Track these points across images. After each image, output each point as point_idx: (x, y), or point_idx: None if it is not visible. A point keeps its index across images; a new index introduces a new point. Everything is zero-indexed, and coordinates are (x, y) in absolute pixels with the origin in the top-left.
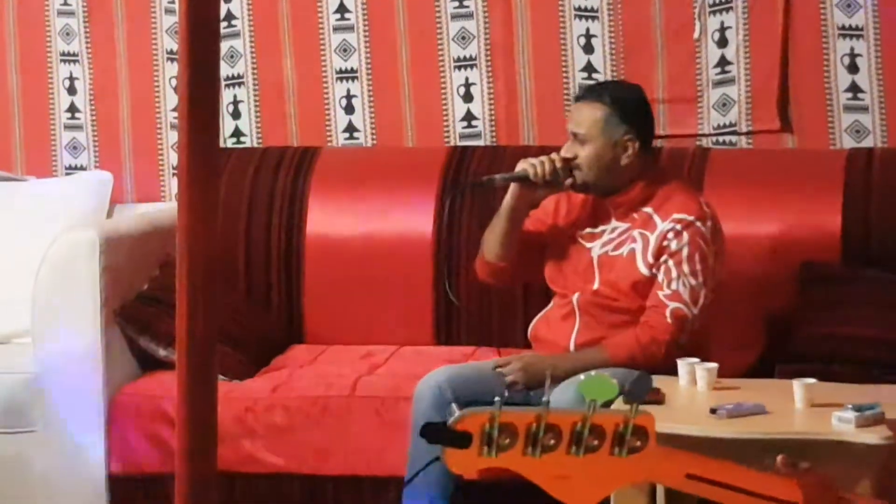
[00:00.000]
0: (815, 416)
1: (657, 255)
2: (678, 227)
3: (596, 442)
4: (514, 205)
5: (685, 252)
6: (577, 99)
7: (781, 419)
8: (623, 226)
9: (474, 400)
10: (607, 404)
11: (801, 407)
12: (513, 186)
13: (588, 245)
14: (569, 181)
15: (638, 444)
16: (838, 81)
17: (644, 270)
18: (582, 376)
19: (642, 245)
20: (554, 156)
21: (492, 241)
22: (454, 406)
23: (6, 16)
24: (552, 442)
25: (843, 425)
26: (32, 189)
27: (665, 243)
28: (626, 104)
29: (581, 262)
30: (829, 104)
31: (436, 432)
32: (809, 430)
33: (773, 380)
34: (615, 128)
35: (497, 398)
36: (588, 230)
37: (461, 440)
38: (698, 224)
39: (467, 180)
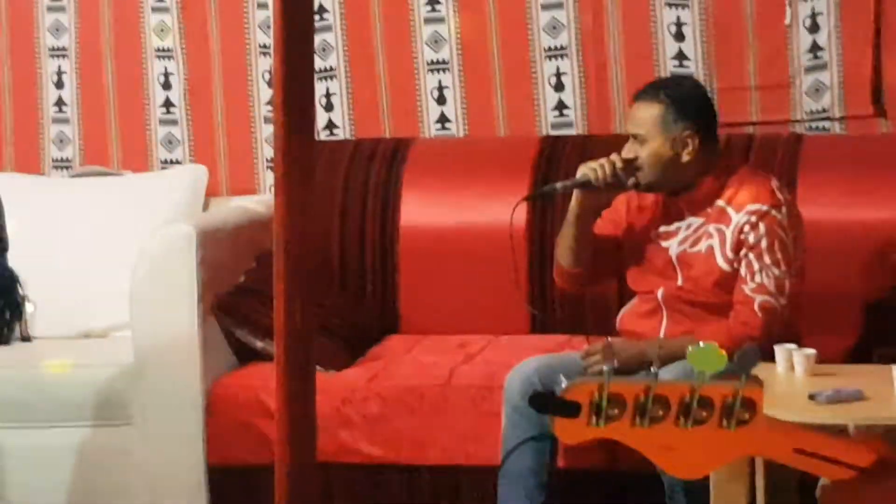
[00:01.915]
0: None
1: (736, 249)
2: (753, 218)
3: (704, 414)
4: (579, 211)
5: (764, 243)
6: (635, 98)
7: (881, 405)
8: (697, 221)
9: None
10: (715, 376)
11: None
12: (576, 192)
13: (665, 244)
14: (631, 181)
15: (746, 416)
16: None
17: (724, 266)
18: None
19: (719, 240)
20: (614, 157)
21: (564, 248)
22: (562, 376)
23: (102, 14)
24: (660, 413)
25: None
26: (129, 183)
27: (742, 237)
28: (683, 100)
29: (660, 262)
30: None
31: (545, 401)
32: None
33: (872, 365)
34: (673, 124)
35: (605, 368)
36: (663, 229)
37: (570, 409)
38: (774, 213)
39: (531, 191)
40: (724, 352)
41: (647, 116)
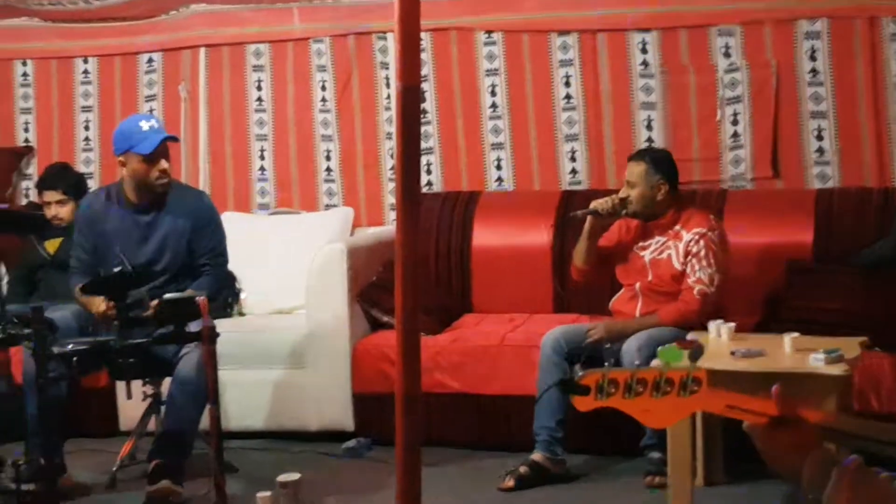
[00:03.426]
0: (798, 357)
1: (685, 256)
2: (697, 237)
3: (668, 388)
4: (590, 230)
5: (703, 252)
6: (630, 159)
7: (776, 359)
8: (663, 239)
9: (577, 346)
10: (674, 365)
11: (788, 351)
12: (589, 217)
13: (642, 253)
14: (624, 212)
15: (696, 388)
16: (810, 145)
17: (678, 266)
18: (653, 333)
19: (675, 251)
20: (614, 196)
21: (579, 253)
22: (577, 367)
23: (288, 111)
24: (641, 389)
25: (816, 363)
26: (305, 219)
27: (689, 248)
28: (659, 162)
29: (639, 265)
30: (804, 160)
31: (568, 385)
32: (795, 366)
33: (771, 334)
34: (652, 176)
35: (606, 363)
36: (641, 243)
37: (584, 390)
38: (709, 234)
39: (568, 214)
40: (682, 351)
41: (637, 170)
